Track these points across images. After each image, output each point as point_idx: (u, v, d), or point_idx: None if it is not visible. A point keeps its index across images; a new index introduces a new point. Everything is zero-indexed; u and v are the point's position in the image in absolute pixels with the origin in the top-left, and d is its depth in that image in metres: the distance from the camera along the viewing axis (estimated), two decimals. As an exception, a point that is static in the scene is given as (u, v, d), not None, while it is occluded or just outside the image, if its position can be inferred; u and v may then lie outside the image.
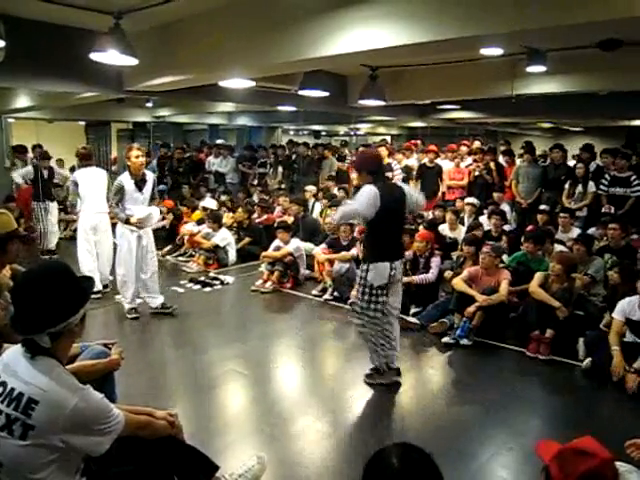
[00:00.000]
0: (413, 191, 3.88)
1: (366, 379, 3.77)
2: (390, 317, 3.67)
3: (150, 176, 5.17)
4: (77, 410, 1.63)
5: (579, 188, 6.92)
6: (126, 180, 4.95)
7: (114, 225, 5.58)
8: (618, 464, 1.59)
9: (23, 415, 1.60)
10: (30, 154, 9.52)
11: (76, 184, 5.83)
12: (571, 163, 8.24)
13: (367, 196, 3.37)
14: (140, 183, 5.00)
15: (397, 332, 3.76)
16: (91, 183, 5.79)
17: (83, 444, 1.69)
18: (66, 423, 1.62)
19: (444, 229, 6.62)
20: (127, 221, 4.95)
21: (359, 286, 3.60)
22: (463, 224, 6.87)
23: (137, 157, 4.93)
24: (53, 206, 7.85)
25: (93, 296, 5.53)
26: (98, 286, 5.73)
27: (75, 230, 9.44)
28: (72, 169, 11.78)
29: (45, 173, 7.69)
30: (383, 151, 7.95)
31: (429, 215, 7.44)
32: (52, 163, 9.89)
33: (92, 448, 1.72)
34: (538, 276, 4.63)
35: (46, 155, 8.01)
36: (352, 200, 3.63)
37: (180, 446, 2.13)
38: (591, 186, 6.81)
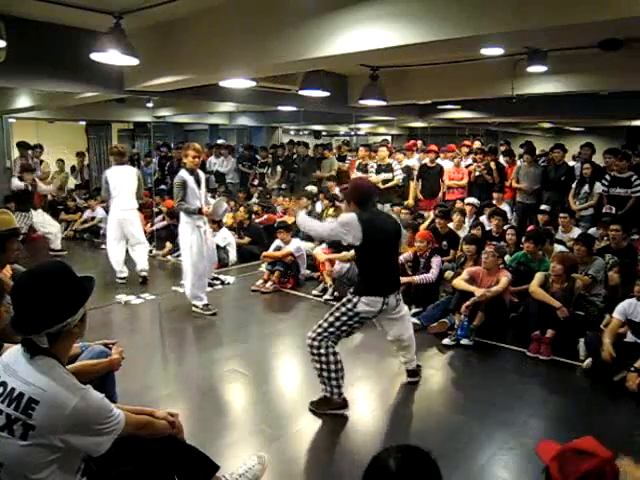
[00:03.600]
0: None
1: (311, 407, 3.42)
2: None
3: (202, 174, 5.44)
4: (77, 410, 1.63)
5: (585, 188, 6.91)
6: (186, 176, 5.20)
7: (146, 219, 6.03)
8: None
9: (23, 415, 1.60)
10: (30, 152, 9.59)
11: (107, 182, 6.11)
12: (571, 163, 8.24)
13: (341, 224, 3.27)
14: (197, 178, 5.28)
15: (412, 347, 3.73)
16: (121, 181, 6.14)
17: (83, 444, 1.69)
18: (66, 423, 1.62)
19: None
20: (200, 211, 5.16)
21: (340, 306, 3.35)
22: (464, 224, 6.86)
23: (194, 157, 5.22)
24: (37, 213, 8.03)
25: (120, 281, 6.25)
26: (125, 273, 6.34)
27: (76, 230, 9.55)
28: (72, 169, 11.86)
29: (30, 187, 8.04)
30: (384, 151, 7.97)
31: (429, 215, 7.45)
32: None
33: (92, 448, 1.72)
34: (538, 276, 4.64)
35: (28, 167, 8.34)
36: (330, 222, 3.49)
37: (180, 446, 2.13)
38: (598, 186, 6.80)
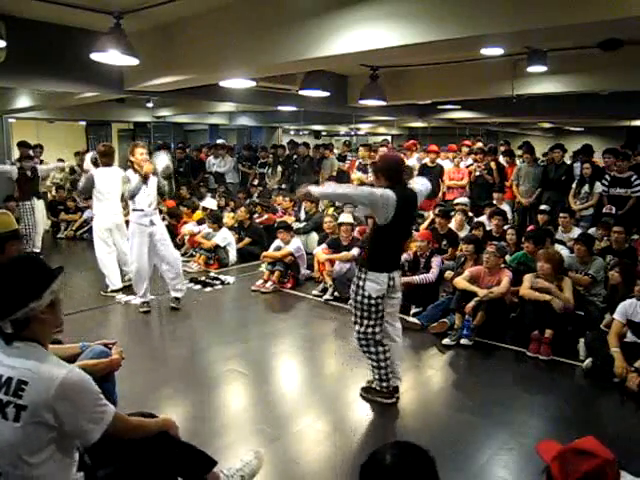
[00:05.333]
0: (418, 187, 3.57)
1: (362, 393, 3.61)
2: (388, 331, 3.51)
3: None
4: (66, 381, 1.65)
5: (585, 188, 6.91)
6: (131, 175, 5.15)
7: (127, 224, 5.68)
8: None
9: (14, 397, 1.63)
10: (31, 152, 9.53)
11: (92, 183, 5.76)
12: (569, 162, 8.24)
13: (382, 196, 3.14)
14: (144, 178, 5.17)
15: (398, 351, 3.57)
16: (110, 184, 5.77)
17: (74, 423, 1.69)
18: (56, 395, 1.64)
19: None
20: (145, 175, 5.04)
21: (355, 294, 3.39)
22: (465, 223, 6.85)
23: (141, 154, 5.12)
24: (39, 204, 7.84)
25: (112, 294, 5.85)
26: (119, 284, 5.94)
27: (77, 230, 9.54)
28: (72, 170, 11.85)
29: (29, 173, 7.77)
30: (383, 151, 7.96)
31: (429, 215, 7.45)
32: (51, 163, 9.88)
33: (82, 435, 1.73)
34: (527, 278, 4.64)
35: (28, 155, 8.07)
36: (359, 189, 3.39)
37: (176, 443, 2.14)
38: (598, 186, 6.80)
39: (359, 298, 3.37)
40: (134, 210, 5.17)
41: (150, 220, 5.22)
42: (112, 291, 5.88)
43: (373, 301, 3.33)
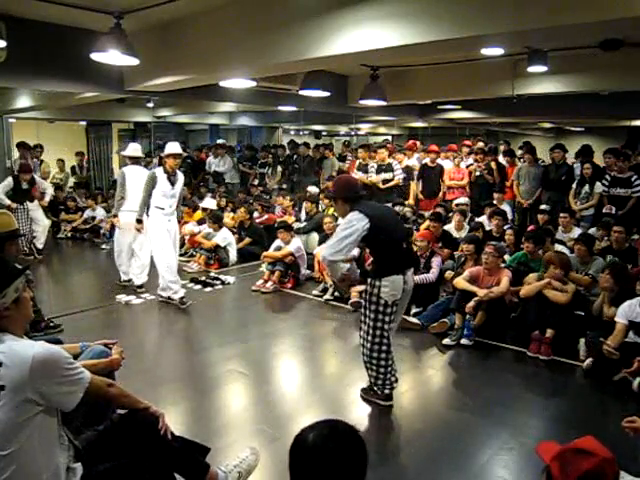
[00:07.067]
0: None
1: (362, 393, 3.62)
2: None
3: (180, 177, 5.58)
4: (39, 356, 1.71)
5: (586, 188, 6.91)
6: (160, 173, 5.39)
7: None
8: None
9: None
10: (30, 163, 9.48)
11: (124, 180, 5.89)
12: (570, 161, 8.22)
13: (352, 231, 3.13)
14: (172, 179, 5.43)
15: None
16: (136, 182, 5.84)
17: (55, 393, 1.75)
18: (33, 370, 1.69)
19: (451, 229, 6.58)
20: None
21: (368, 303, 3.35)
22: (464, 224, 6.84)
23: (175, 158, 5.41)
24: (31, 205, 7.82)
25: (124, 284, 6.07)
26: (129, 277, 6.10)
27: (74, 230, 9.54)
28: (73, 169, 11.85)
29: (24, 184, 7.70)
30: (383, 152, 7.96)
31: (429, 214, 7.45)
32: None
33: (64, 400, 1.79)
34: (529, 280, 4.63)
35: (27, 168, 7.91)
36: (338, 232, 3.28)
37: (171, 437, 2.17)
38: (598, 186, 6.79)
39: (373, 307, 3.32)
40: (156, 207, 5.39)
41: (168, 219, 5.46)
42: (124, 281, 6.10)
43: (389, 309, 3.30)
